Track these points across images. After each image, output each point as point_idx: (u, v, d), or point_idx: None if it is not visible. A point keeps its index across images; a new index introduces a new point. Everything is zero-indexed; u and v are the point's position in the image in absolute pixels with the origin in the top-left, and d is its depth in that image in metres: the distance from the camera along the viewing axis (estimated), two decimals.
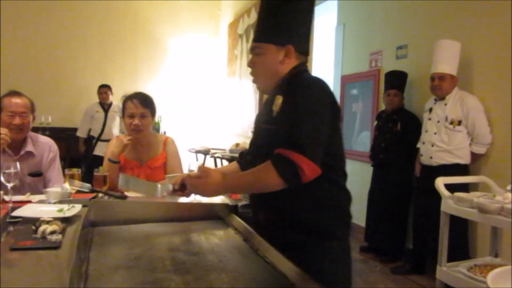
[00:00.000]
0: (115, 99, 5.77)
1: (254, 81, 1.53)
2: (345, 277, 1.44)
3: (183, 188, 1.56)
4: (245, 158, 1.70)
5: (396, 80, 3.96)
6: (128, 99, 2.49)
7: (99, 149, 5.73)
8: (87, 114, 5.90)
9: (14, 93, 2.39)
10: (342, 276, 1.43)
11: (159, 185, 1.84)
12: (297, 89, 1.37)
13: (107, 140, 5.76)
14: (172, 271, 1.23)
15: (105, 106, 5.84)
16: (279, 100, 1.39)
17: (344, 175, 1.48)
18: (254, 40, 1.50)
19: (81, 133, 5.93)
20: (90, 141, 5.88)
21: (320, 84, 1.38)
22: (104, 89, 5.82)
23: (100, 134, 5.82)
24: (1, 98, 2.35)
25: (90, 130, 5.87)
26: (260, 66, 1.49)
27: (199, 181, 1.41)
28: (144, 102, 2.47)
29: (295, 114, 1.32)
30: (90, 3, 6.45)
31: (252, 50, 1.51)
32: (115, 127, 5.90)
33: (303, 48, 1.49)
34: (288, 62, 1.46)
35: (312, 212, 1.39)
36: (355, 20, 5.01)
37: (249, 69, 1.55)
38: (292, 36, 1.46)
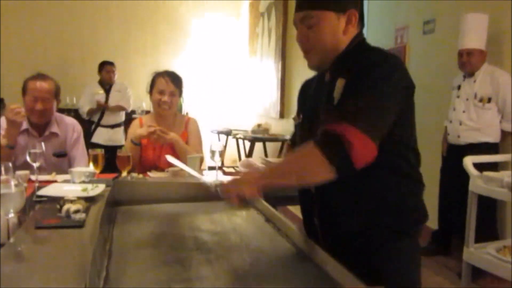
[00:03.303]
0: (137, 79, 5.25)
1: (306, 57, 1.25)
2: (414, 278, 1.26)
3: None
4: None
5: None
6: (159, 75, 2.51)
7: (99, 136, 4.86)
8: (88, 93, 4.99)
9: (40, 76, 2.34)
10: (410, 277, 1.25)
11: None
12: (364, 66, 1.11)
13: (109, 126, 4.92)
14: (194, 250, 1.23)
15: (106, 86, 4.96)
16: (340, 83, 1.13)
17: (417, 160, 1.22)
18: (305, 8, 1.19)
19: (84, 114, 5.01)
20: (90, 126, 4.94)
21: (392, 61, 1.13)
22: (110, 67, 4.93)
23: (100, 119, 4.94)
24: (27, 81, 2.34)
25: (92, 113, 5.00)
26: (316, 40, 1.19)
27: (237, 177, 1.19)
28: (175, 81, 2.50)
29: (357, 90, 1.08)
30: None
31: (302, 21, 1.20)
32: (120, 112, 5.07)
33: (362, 11, 1.22)
34: (351, 31, 1.20)
35: (377, 206, 1.16)
36: None
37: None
38: None
